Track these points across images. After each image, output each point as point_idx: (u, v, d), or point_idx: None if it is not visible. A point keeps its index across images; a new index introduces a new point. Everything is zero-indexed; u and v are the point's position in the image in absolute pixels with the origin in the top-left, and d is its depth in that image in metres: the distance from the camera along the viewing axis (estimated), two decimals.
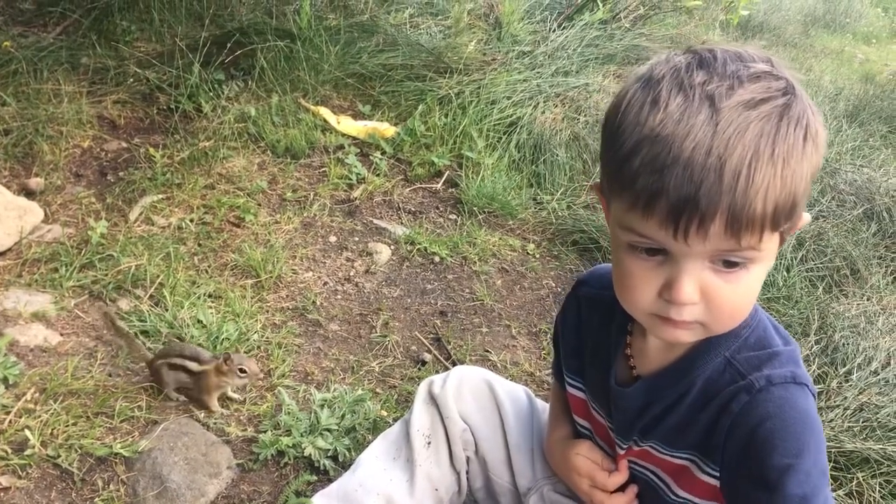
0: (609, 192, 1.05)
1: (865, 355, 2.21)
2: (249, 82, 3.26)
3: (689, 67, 0.98)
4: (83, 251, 2.39)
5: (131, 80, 3.24)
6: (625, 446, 1.28)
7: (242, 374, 1.90)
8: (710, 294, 1.02)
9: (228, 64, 3.27)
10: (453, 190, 3.05)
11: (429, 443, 1.59)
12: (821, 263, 2.76)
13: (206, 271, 2.41)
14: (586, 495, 1.36)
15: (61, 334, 2.11)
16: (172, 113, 3.07)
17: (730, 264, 1.00)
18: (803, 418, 1.08)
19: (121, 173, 2.82)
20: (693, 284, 1.00)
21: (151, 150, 2.88)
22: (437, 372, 2.14)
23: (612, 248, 1.10)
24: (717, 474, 1.15)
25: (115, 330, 2.03)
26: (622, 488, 1.34)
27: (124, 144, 2.98)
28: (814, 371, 2.14)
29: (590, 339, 1.34)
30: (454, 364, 2.19)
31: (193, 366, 1.89)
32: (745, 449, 1.09)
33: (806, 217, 1.04)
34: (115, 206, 2.65)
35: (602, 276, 1.37)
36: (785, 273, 2.66)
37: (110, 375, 1.99)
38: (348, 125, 3.23)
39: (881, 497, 1.75)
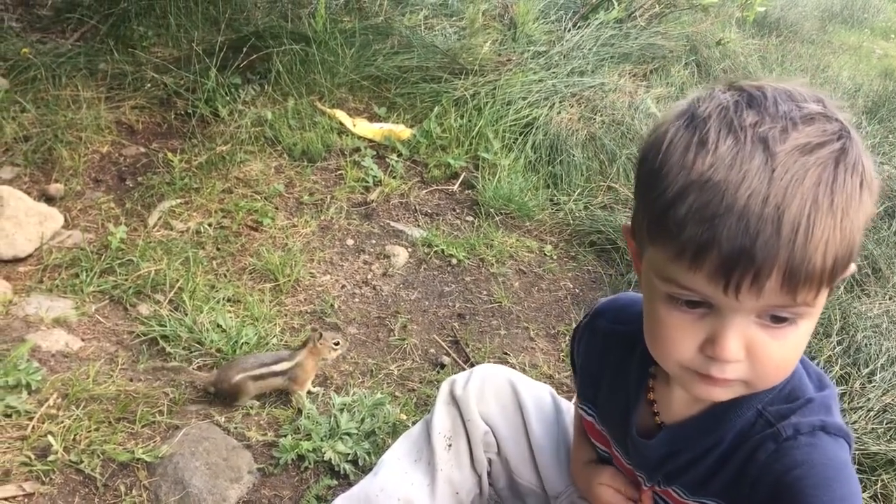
0: (647, 238, 0.97)
1: (889, 356, 2.18)
2: (266, 86, 3.27)
3: (737, 106, 0.92)
4: (103, 256, 2.41)
5: (149, 85, 3.26)
6: (648, 484, 1.24)
7: (336, 346, 2.02)
8: (756, 351, 0.95)
9: (245, 68, 3.28)
10: (470, 191, 3.05)
11: (449, 445, 1.58)
12: None
13: (225, 275, 2.42)
14: None
15: (82, 339, 2.13)
16: (190, 117, 3.09)
17: (778, 319, 0.93)
18: (834, 466, 1.00)
19: (139, 178, 2.83)
20: (739, 341, 0.93)
21: (169, 155, 2.89)
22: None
23: (645, 296, 1.04)
24: None
25: (170, 370, 2.05)
26: None
27: (142, 149, 2.99)
28: (836, 372, 2.12)
29: (607, 377, 1.29)
30: (472, 367, 2.18)
31: (283, 365, 1.96)
32: (772, 499, 1.03)
33: (853, 267, 0.96)
34: (135, 210, 2.67)
35: (622, 308, 1.31)
36: None
37: (131, 380, 2.00)
38: (364, 128, 3.24)
39: None
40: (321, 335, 1.99)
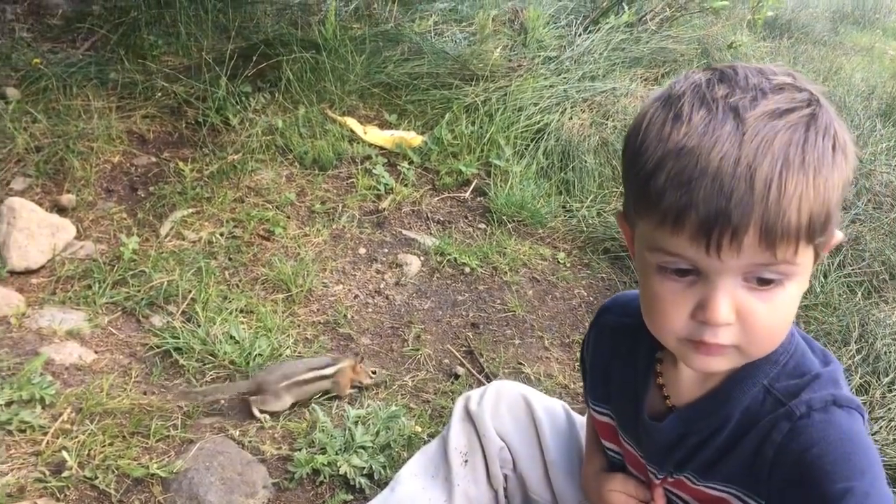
0: (634, 213, 1.02)
1: None
2: (276, 94, 3.27)
3: (709, 83, 0.97)
4: (115, 267, 2.40)
5: (159, 94, 3.25)
6: (660, 476, 1.25)
7: (373, 375, 2.09)
8: (746, 313, 0.98)
9: (255, 76, 3.28)
10: (482, 199, 3.03)
11: (466, 461, 1.57)
12: (859, 269, 2.71)
13: (237, 286, 2.41)
14: None
15: (95, 352, 2.12)
16: (200, 126, 3.09)
17: (764, 281, 0.96)
18: (851, 438, 1.02)
19: (151, 188, 2.83)
20: (728, 303, 0.96)
21: (181, 165, 2.89)
22: (471, 386, 2.13)
23: (640, 274, 1.07)
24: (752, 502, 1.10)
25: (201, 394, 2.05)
26: None
27: (153, 159, 2.99)
28: (856, 381, 2.10)
29: (616, 367, 1.30)
30: (487, 377, 2.17)
31: (329, 370, 2.01)
32: (794, 480, 1.04)
33: (839, 235, 1.00)
34: (146, 221, 2.66)
35: (626, 303, 1.33)
36: (822, 279, 2.61)
37: (145, 393, 2.00)
38: (375, 135, 3.23)
39: None
40: (363, 359, 2.08)
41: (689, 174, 0.92)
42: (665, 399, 1.20)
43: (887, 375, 2.11)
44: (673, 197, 0.92)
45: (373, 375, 2.08)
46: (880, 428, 1.91)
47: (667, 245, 0.96)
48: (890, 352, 2.21)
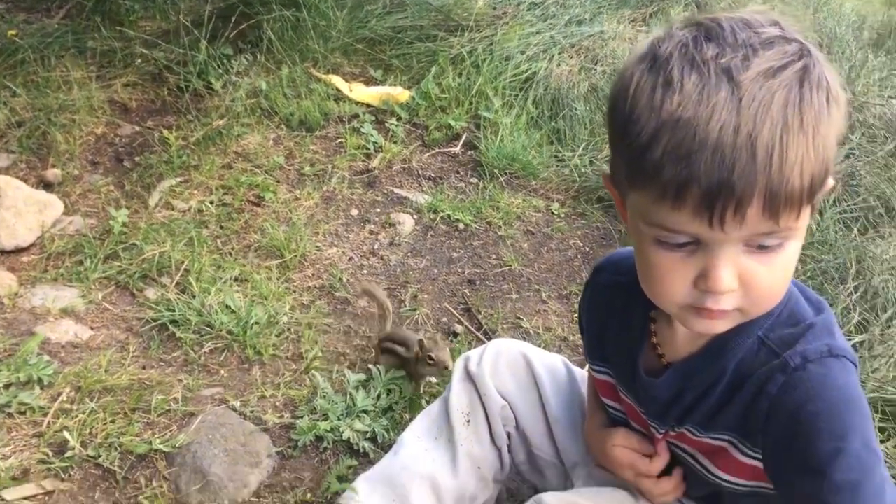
0: (627, 184, 1.00)
1: None
2: (258, 55, 3.20)
3: (696, 41, 0.93)
4: (106, 242, 2.38)
5: (139, 61, 3.19)
6: (661, 431, 1.25)
7: (430, 363, 1.87)
8: (748, 279, 0.97)
9: (235, 37, 3.20)
10: (472, 152, 3.00)
11: (468, 421, 1.58)
12: (854, 204, 2.69)
13: (230, 254, 2.39)
14: (634, 484, 1.34)
15: (91, 328, 2.11)
16: (183, 92, 3.03)
17: (766, 247, 0.96)
18: (845, 396, 1.03)
19: (137, 158, 2.79)
20: (731, 271, 0.96)
21: (165, 133, 2.84)
22: (470, 343, 2.13)
23: (635, 241, 1.05)
24: (758, 456, 1.11)
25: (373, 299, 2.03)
26: (667, 470, 1.31)
27: (137, 128, 2.94)
28: (854, 319, 2.10)
29: (612, 326, 1.30)
30: (486, 334, 2.17)
31: (402, 350, 1.93)
32: (787, 434, 1.05)
33: (831, 182, 0.99)
34: (134, 192, 2.63)
35: (619, 261, 1.33)
36: (818, 217, 2.59)
37: (144, 368, 1.99)
38: (361, 92, 3.17)
39: None
40: (423, 344, 1.89)
41: (687, 147, 0.89)
42: (660, 357, 1.21)
43: (885, 311, 2.11)
44: (672, 171, 0.90)
45: (430, 363, 1.87)
46: (880, 365, 1.92)
47: (666, 221, 0.95)
48: (888, 287, 2.20)
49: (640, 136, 0.93)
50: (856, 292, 2.20)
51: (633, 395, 1.29)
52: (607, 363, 1.35)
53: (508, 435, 1.59)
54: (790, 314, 1.10)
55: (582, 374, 1.62)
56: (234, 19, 3.19)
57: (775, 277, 0.99)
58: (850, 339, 2.01)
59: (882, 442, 1.74)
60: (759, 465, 1.12)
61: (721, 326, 1.04)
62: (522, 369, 1.61)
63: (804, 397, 1.03)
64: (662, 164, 0.91)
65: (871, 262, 2.34)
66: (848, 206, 2.68)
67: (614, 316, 1.29)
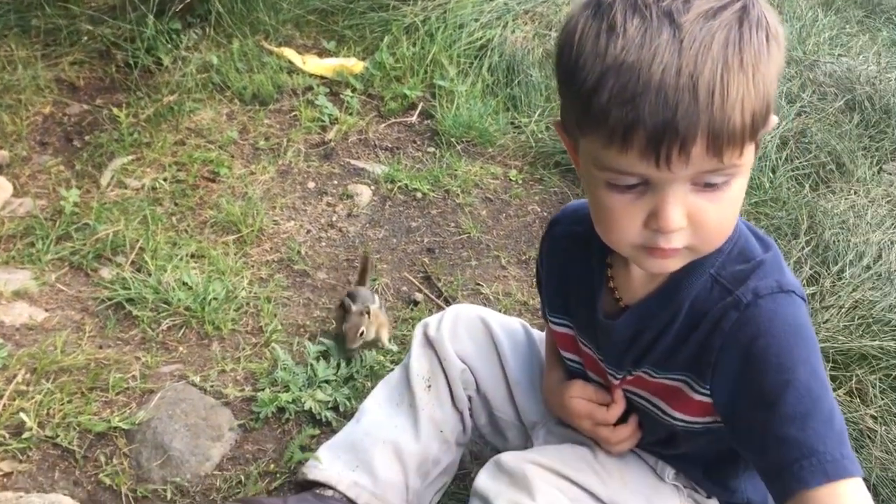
0: (577, 130, 1.02)
1: (856, 251, 2.20)
2: (207, 29, 3.14)
3: None
4: (58, 222, 2.33)
5: (85, 38, 3.12)
6: (619, 377, 1.28)
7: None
8: (697, 216, 1.00)
9: (183, 11, 3.14)
10: (429, 122, 2.98)
11: (429, 386, 1.59)
12: (806, 161, 2.73)
13: (186, 231, 2.36)
14: (591, 434, 1.36)
15: (46, 310, 2.08)
16: (132, 69, 2.97)
17: (712, 185, 0.98)
18: (794, 330, 1.07)
19: (87, 137, 2.73)
20: (679, 210, 0.99)
21: (115, 111, 2.79)
22: (431, 311, 2.14)
23: (587, 186, 1.08)
24: (702, 390, 1.15)
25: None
26: (624, 418, 1.34)
27: (86, 107, 2.88)
28: (806, 273, 2.14)
29: (571, 276, 1.33)
30: (446, 301, 2.18)
31: (348, 305, 1.93)
32: (739, 369, 1.09)
33: (774, 119, 1.02)
34: (85, 172, 2.58)
35: (574, 211, 1.36)
36: (771, 174, 2.63)
37: (101, 347, 1.97)
38: (315, 64, 3.13)
39: (881, 392, 1.77)
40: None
41: (632, 90, 0.91)
42: (618, 301, 1.24)
43: (836, 264, 2.16)
44: (618, 115, 0.92)
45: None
46: (831, 316, 1.96)
47: (615, 164, 0.97)
48: (838, 241, 2.25)
49: (586, 81, 0.94)
50: (807, 246, 2.24)
51: (592, 343, 1.31)
52: (567, 314, 1.36)
53: (469, 398, 1.61)
54: (740, 251, 1.14)
55: (540, 336, 1.64)
56: None
57: (723, 214, 1.02)
58: None
59: (834, 390, 1.78)
60: (710, 401, 1.15)
61: (673, 265, 1.08)
62: (481, 333, 1.62)
63: (756, 332, 1.07)
64: (609, 108, 0.92)
65: (823, 217, 2.38)
66: (800, 163, 2.72)
67: (573, 264, 1.32)
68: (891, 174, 2.79)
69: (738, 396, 1.10)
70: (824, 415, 1.03)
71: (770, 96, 0.95)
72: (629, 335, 1.21)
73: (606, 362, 1.29)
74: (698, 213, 1.00)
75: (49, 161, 2.62)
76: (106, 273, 2.19)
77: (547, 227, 1.41)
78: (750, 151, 0.98)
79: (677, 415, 1.23)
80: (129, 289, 2.11)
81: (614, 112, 0.92)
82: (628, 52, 0.91)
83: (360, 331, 1.89)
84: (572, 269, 1.33)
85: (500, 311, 2.05)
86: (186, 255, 2.25)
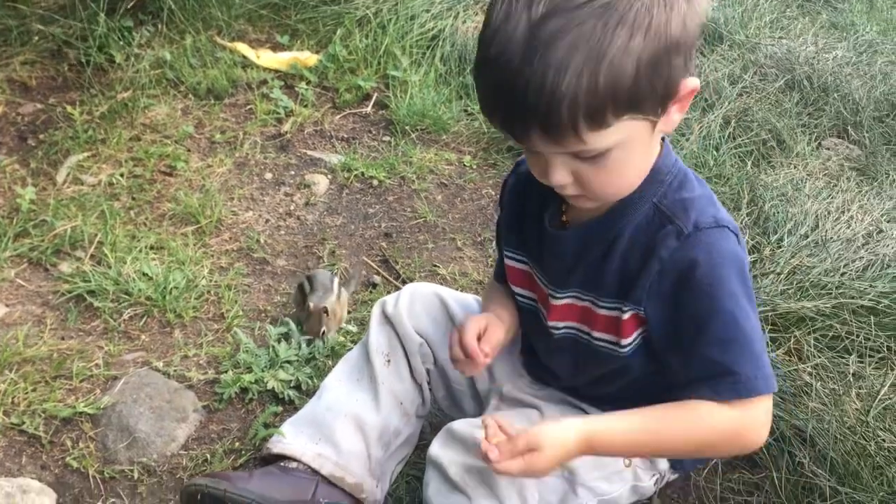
0: None
1: (795, 221, 2.30)
2: (160, 26, 3.16)
3: None
4: (14, 220, 2.34)
5: (36, 38, 3.11)
6: (560, 296, 1.34)
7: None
8: (582, 178, 1.12)
9: (135, 9, 3.15)
10: (383, 112, 3.03)
11: (388, 361, 1.64)
12: (748, 139, 2.83)
13: (145, 224, 2.39)
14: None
15: (6, 305, 2.09)
16: (84, 67, 2.97)
17: (588, 158, 1.08)
18: (727, 262, 1.17)
19: (41, 136, 2.74)
20: (562, 171, 1.11)
21: (69, 109, 2.79)
22: (389, 293, 2.18)
23: None
24: (636, 312, 1.24)
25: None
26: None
27: (39, 106, 2.88)
28: (747, 242, 2.23)
29: (529, 210, 1.39)
30: (404, 282, 2.23)
31: (307, 288, 2.02)
32: (674, 292, 1.19)
33: (691, 82, 1.08)
34: (41, 170, 2.59)
35: None
36: (714, 152, 2.72)
37: (63, 339, 1.99)
38: (269, 58, 3.17)
39: (817, 350, 1.86)
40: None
41: (489, 87, 1.04)
42: (566, 223, 1.33)
43: (775, 233, 2.25)
44: (484, 105, 1.07)
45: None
46: (771, 282, 2.05)
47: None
48: (777, 212, 2.35)
49: (473, 69, 1.10)
50: (748, 217, 2.34)
51: (539, 268, 1.38)
52: (522, 246, 1.42)
53: (428, 371, 1.67)
54: (680, 184, 1.22)
55: None
56: None
57: (609, 177, 1.13)
58: None
59: (774, 350, 1.87)
60: (643, 326, 1.26)
61: (588, 204, 1.20)
62: (437, 308, 1.68)
63: (693, 261, 1.16)
64: (481, 98, 1.08)
65: (763, 191, 2.48)
66: (742, 140, 2.82)
67: (531, 200, 1.39)
68: (828, 149, 2.91)
69: (670, 318, 1.21)
70: (744, 339, 1.17)
71: (620, 87, 0.99)
72: (572, 251, 1.29)
73: (551, 281, 1.35)
74: (582, 177, 1.12)
75: (3, 160, 2.62)
76: (65, 267, 2.21)
77: (514, 166, 1.49)
78: (619, 130, 1.04)
79: (608, 337, 1.31)
80: (90, 281, 2.13)
81: (482, 103, 1.08)
82: (493, 46, 1.01)
83: (322, 331, 1.95)
84: (530, 204, 1.39)
85: (457, 290, 2.11)
86: (146, 247, 2.27)
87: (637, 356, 1.31)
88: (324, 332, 1.95)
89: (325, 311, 1.94)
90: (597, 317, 1.31)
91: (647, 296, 1.21)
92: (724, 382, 1.18)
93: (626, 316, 1.26)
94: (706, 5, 1.07)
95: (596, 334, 1.33)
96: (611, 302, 1.28)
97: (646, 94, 1.03)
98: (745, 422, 1.19)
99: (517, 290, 1.48)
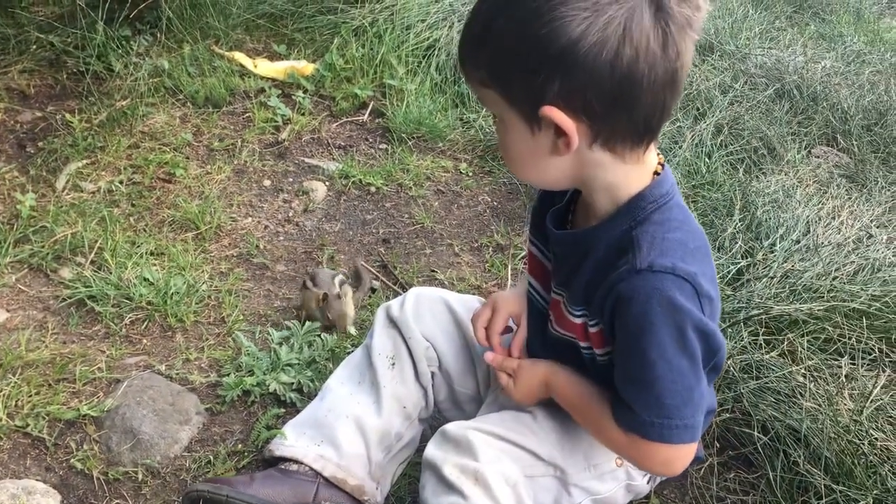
0: None
1: (786, 226, 2.34)
2: (158, 35, 3.19)
3: None
4: (15, 226, 2.36)
5: (35, 46, 3.13)
6: (555, 291, 1.38)
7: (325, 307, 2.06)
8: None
9: (133, 18, 3.18)
10: (380, 120, 3.07)
11: (392, 364, 1.66)
12: (739, 146, 2.88)
13: (145, 230, 2.41)
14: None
15: (7, 310, 2.11)
16: (83, 76, 3.00)
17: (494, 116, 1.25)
18: (665, 313, 1.15)
19: (40, 143, 2.76)
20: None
21: (68, 117, 2.82)
22: (388, 297, 2.22)
23: None
24: (601, 327, 1.28)
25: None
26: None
27: (39, 114, 2.90)
28: (741, 247, 2.27)
29: (558, 196, 1.40)
30: (403, 287, 2.26)
31: (311, 286, 2.09)
32: (612, 321, 1.23)
33: (557, 116, 1.09)
34: (41, 177, 2.60)
35: None
36: (707, 160, 2.77)
37: (65, 343, 2.01)
38: (266, 67, 3.20)
39: (809, 352, 1.90)
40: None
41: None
42: (566, 225, 1.37)
43: (768, 238, 2.29)
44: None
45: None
46: (763, 286, 2.09)
47: None
48: (769, 218, 2.39)
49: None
50: (741, 223, 2.38)
51: (548, 260, 1.42)
52: (542, 238, 1.43)
53: (432, 374, 1.68)
54: (662, 218, 1.20)
55: None
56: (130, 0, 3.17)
57: (502, 147, 1.23)
58: (736, 264, 2.18)
59: (768, 352, 1.91)
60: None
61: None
62: (443, 312, 1.70)
63: (631, 299, 1.17)
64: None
65: (755, 197, 2.52)
66: (733, 148, 2.87)
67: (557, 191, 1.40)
68: (818, 157, 2.96)
69: (612, 339, 1.26)
70: (657, 388, 1.21)
71: (498, 46, 1.10)
72: (558, 252, 1.35)
73: (556, 283, 1.38)
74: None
75: (2, 167, 2.64)
76: (66, 273, 2.22)
77: None
78: (497, 104, 1.15)
79: (586, 345, 1.35)
80: (91, 286, 2.14)
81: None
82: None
83: (330, 316, 2.04)
84: (558, 197, 1.39)
85: None
86: (146, 253, 2.29)
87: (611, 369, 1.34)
88: (332, 319, 2.03)
89: (325, 297, 1.99)
90: (572, 324, 1.34)
91: (601, 314, 1.24)
92: (624, 411, 1.27)
93: (593, 329, 1.29)
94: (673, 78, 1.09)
95: (575, 340, 1.37)
96: (579, 310, 1.31)
97: (509, 75, 1.11)
98: (640, 454, 1.30)
99: (531, 279, 1.49)
